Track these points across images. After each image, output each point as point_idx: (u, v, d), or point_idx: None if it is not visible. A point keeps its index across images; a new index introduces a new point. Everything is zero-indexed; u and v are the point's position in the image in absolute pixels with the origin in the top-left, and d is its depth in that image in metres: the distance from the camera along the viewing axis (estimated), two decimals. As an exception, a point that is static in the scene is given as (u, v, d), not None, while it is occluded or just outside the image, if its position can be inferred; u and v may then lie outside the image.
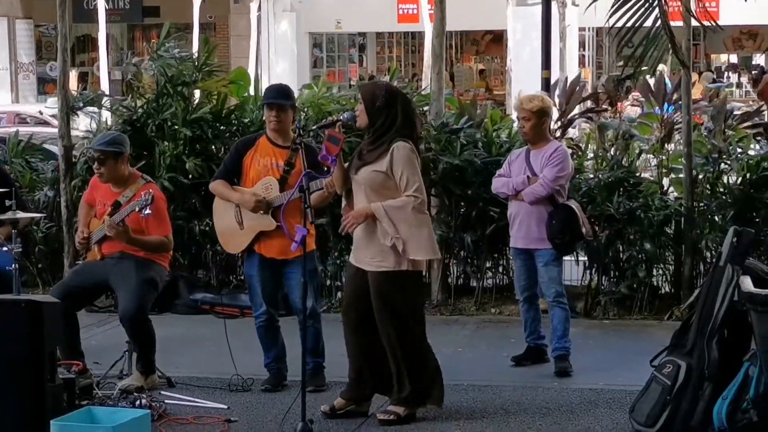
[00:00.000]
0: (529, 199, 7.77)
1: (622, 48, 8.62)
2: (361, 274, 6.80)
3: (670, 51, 7.92)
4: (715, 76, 30.62)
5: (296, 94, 8.46)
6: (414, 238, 6.64)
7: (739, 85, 31.13)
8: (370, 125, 6.71)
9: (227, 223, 7.49)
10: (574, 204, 7.94)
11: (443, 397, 6.90)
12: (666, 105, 10.47)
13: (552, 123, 9.82)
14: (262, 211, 7.25)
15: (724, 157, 9.64)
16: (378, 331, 6.78)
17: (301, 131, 6.92)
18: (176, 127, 10.09)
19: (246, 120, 10.37)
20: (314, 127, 6.93)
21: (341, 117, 6.92)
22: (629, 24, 8.39)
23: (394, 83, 10.21)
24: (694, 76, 22.14)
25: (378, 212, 6.61)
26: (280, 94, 7.46)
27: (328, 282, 9.91)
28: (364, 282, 6.77)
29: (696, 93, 21.53)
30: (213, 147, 10.25)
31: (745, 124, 10.48)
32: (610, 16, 8.29)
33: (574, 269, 9.84)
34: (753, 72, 32.36)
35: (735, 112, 10.98)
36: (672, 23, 8.90)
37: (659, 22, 8.00)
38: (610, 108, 11.50)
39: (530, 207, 7.79)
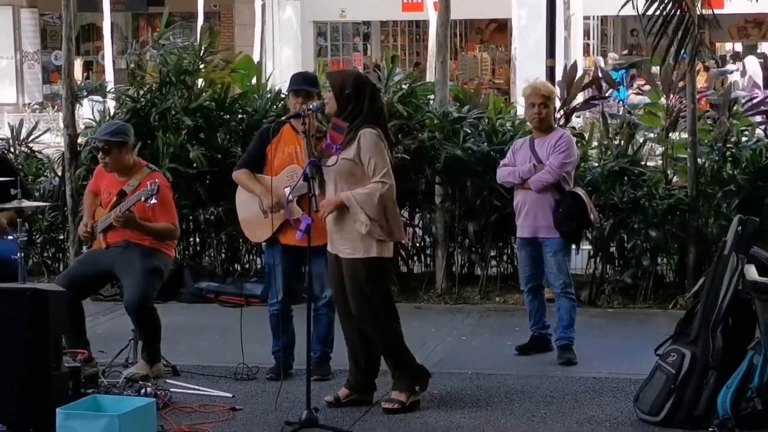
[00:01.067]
0: (535, 187, 7.76)
1: (656, 37, 8.62)
2: (339, 261, 6.81)
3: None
4: (719, 65, 30.54)
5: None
6: (384, 223, 6.67)
7: (743, 74, 31.04)
8: (339, 113, 6.72)
9: (251, 211, 7.46)
10: (580, 191, 7.94)
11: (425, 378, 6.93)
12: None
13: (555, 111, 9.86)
14: (279, 210, 7.23)
15: (729, 145, 9.63)
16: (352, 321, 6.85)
17: (305, 120, 6.87)
18: (179, 116, 10.08)
19: (250, 109, 10.36)
20: (284, 118, 6.87)
21: (311, 106, 6.86)
22: (650, 11, 8.42)
23: (395, 71, 10.23)
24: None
25: (348, 201, 6.64)
26: (306, 82, 7.45)
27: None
28: (341, 269, 6.80)
29: (701, 81, 21.55)
30: (217, 136, 10.24)
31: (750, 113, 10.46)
32: (646, 9, 8.29)
33: (578, 258, 9.84)
34: (759, 61, 32.24)
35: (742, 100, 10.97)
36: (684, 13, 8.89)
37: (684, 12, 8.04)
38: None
39: (537, 195, 7.78)
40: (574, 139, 8.32)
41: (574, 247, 9.55)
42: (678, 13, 8.72)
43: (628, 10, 9.00)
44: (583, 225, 7.98)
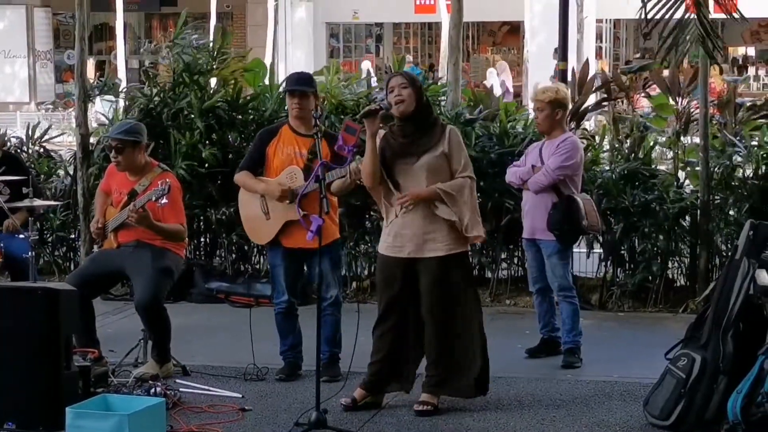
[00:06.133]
0: (532, 189, 7.80)
1: (663, 40, 8.60)
2: (404, 266, 6.75)
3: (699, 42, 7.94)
4: (734, 69, 30.56)
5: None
6: (472, 216, 6.71)
7: (756, 77, 31.04)
8: (416, 111, 6.70)
9: (254, 213, 7.48)
10: (580, 196, 7.85)
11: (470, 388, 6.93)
12: None
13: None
14: (288, 201, 7.24)
15: (738, 149, 9.61)
16: (407, 326, 6.83)
17: (317, 120, 6.88)
18: (192, 116, 10.10)
19: (263, 109, 10.37)
20: (358, 116, 6.81)
21: (381, 105, 6.75)
22: (659, 15, 8.39)
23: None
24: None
25: (442, 192, 6.61)
26: (301, 81, 7.45)
27: (343, 272, 9.89)
28: (408, 273, 6.75)
29: (720, 84, 21.54)
30: (229, 136, 10.25)
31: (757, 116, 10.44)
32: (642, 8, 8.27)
33: (588, 261, 9.84)
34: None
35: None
36: (690, 15, 8.87)
37: (689, 12, 8.00)
38: (625, 100, 11.48)
39: (536, 197, 7.81)
40: (581, 142, 8.28)
41: (585, 251, 9.60)
42: (685, 16, 8.70)
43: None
44: (575, 230, 7.92)
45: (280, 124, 7.59)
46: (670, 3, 8.40)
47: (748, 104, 11.02)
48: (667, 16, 8.48)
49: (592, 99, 11.09)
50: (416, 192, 6.66)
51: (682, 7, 8.19)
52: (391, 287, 6.85)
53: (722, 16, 8.92)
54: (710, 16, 8.58)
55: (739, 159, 9.59)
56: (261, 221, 7.44)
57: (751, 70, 32.41)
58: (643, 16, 8.30)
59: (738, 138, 9.80)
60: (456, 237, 6.70)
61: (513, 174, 7.99)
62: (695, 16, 8.50)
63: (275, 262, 7.52)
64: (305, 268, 7.66)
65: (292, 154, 7.35)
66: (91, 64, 28.33)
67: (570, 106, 8.34)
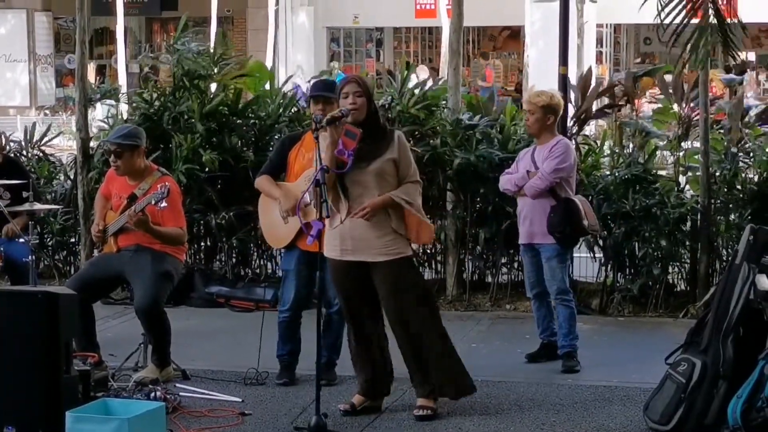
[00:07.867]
0: (530, 194, 7.81)
1: (672, 43, 8.62)
2: (358, 270, 6.76)
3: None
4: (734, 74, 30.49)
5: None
6: (420, 222, 6.74)
7: (757, 83, 31.00)
8: (368, 118, 6.72)
9: (272, 217, 7.48)
10: (578, 198, 7.91)
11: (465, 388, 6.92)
12: None
13: (568, 119, 9.84)
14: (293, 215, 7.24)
15: (741, 155, 9.61)
16: (375, 328, 6.87)
17: (317, 125, 6.88)
18: (192, 120, 10.10)
19: (263, 114, 10.37)
20: (323, 123, 6.81)
21: (342, 111, 6.76)
22: (677, 20, 8.42)
23: (411, 77, 10.24)
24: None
25: (399, 200, 6.62)
26: (326, 88, 7.46)
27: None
28: (364, 276, 6.76)
29: (720, 88, 21.55)
30: (230, 140, 10.25)
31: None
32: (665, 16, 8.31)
33: (589, 266, 9.84)
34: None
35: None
36: (692, 20, 8.90)
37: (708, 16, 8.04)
38: (627, 104, 11.47)
39: (533, 202, 7.82)
40: (573, 144, 8.29)
41: (588, 255, 9.60)
42: (693, 21, 8.73)
43: (642, 19, 9.01)
44: (577, 231, 7.94)
45: (304, 131, 7.65)
46: (688, 7, 8.44)
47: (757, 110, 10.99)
48: (684, 21, 8.53)
49: (595, 104, 11.08)
50: (373, 202, 6.64)
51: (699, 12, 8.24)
52: (344, 290, 6.88)
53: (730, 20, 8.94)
54: (713, 21, 8.61)
55: (741, 164, 9.59)
56: (279, 225, 7.45)
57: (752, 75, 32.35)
58: (659, 21, 8.32)
59: (741, 143, 9.79)
60: (403, 241, 6.73)
61: (508, 181, 8.00)
62: (715, 21, 8.53)
63: (289, 267, 7.51)
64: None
65: (313, 159, 7.36)
66: (91, 69, 28.30)
67: (560, 113, 8.30)
